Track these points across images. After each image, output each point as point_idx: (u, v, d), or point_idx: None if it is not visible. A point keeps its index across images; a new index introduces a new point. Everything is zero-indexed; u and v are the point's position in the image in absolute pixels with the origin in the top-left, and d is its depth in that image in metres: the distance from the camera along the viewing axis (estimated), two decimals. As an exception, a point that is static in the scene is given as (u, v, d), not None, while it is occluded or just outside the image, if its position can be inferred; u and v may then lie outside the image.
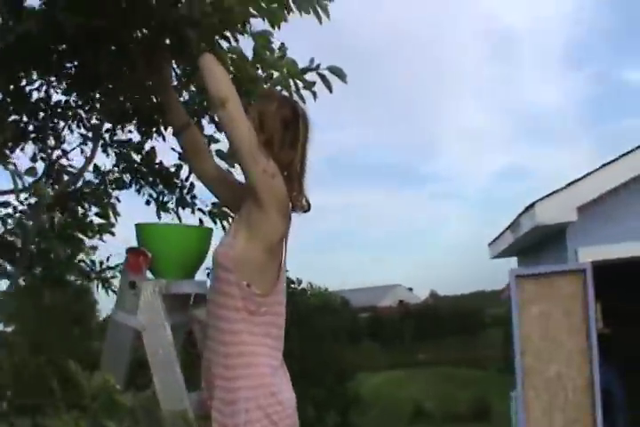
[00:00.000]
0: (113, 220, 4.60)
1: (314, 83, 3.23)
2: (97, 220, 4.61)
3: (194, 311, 3.15)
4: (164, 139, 3.99)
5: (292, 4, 2.91)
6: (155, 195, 4.12)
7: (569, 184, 8.31)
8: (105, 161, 4.33)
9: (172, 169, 4.04)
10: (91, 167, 4.32)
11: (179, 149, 3.71)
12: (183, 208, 4.06)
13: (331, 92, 3.19)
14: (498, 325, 24.46)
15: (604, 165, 8.35)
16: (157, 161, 4.12)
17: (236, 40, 3.09)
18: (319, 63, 3.18)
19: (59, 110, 4.05)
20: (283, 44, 3.32)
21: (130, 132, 4.20)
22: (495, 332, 24.49)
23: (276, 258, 2.79)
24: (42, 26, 2.81)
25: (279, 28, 3.02)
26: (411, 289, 49.46)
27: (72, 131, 4.23)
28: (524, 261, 11.07)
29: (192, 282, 3.14)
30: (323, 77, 3.18)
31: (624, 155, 8.35)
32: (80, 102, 4.06)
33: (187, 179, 4.00)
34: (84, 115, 4.17)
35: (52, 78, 3.82)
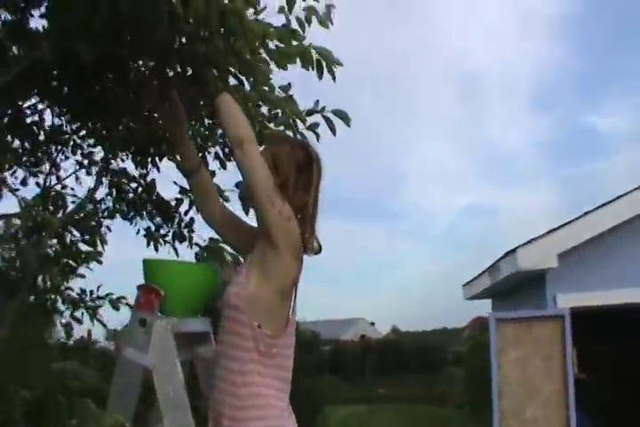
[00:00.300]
0: (100, 248, 4.52)
1: (318, 124, 3.22)
2: (84, 247, 4.51)
3: (198, 349, 3.09)
4: (158, 170, 3.92)
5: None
6: (152, 227, 4.03)
7: (550, 231, 8.47)
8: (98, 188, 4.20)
9: (173, 202, 3.94)
10: (82, 193, 4.22)
11: (180, 182, 3.68)
12: (180, 242, 3.96)
13: (334, 134, 3.17)
14: (459, 362, 24.51)
15: (585, 214, 8.49)
16: (157, 193, 4.02)
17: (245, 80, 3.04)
18: (324, 106, 3.16)
19: (55, 135, 3.96)
20: (289, 83, 3.30)
21: (122, 160, 4.11)
22: (456, 369, 24.53)
23: (288, 300, 2.76)
24: (55, 54, 2.71)
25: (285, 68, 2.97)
26: (373, 324, 49.56)
27: (67, 157, 4.15)
28: (500, 304, 11.11)
29: (199, 320, 3.10)
30: (327, 120, 3.16)
31: (604, 204, 8.52)
32: (74, 128, 3.98)
33: (186, 213, 3.91)
34: (78, 141, 4.09)
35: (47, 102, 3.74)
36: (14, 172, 4.04)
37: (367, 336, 35.44)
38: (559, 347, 8.05)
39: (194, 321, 3.06)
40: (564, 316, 8.04)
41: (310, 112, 3.22)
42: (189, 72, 2.93)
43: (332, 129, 3.17)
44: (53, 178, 4.17)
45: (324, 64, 2.81)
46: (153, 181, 3.99)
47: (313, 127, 3.26)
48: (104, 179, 4.17)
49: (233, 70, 2.84)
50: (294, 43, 2.77)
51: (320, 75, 2.82)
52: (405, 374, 27.06)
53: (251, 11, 2.67)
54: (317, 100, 3.21)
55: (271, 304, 2.68)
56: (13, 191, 3.55)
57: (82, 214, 4.29)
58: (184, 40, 2.77)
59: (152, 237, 4.09)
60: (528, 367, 8.14)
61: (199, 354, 3.08)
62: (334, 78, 2.84)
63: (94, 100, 3.35)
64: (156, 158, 3.88)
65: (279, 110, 3.30)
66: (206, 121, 3.53)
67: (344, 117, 3.14)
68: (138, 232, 4.16)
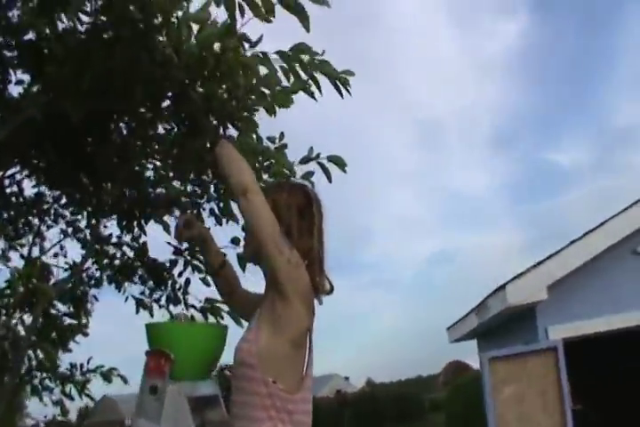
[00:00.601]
0: (84, 320, 4.36)
1: (312, 173, 3.14)
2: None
3: (208, 414, 2.90)
4: (144, 233, 3.83)
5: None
6: (146, 291, 3.85)
7: (537, 264, 8.42)
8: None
9: (166, 264, 3.79)
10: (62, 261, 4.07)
11: (174, 242, 3.58)
12: (174, 305, 3.80)
13: (330, 181, 3.09)
14: (437, 409, 24.33)
15: (570, 243, 8.47)
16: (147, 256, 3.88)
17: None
18: (319, 153, 3.08)
19: (36, 205, 3.83)
20: (282, 133, 3.21)
21: (105, 227, 3.97)
22: (435, 416, 24.35)
23: (302, 352, 2.61)
24: (43, 113, 2.58)
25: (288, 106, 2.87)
26: (347, 378, 49.32)
27: (49, 226, 4.01)
28: (487, 343, 10.96)
29: (209, 383, 2.90)
30: (322, 167, 3.08)
31: (588, 233, 8.51)
32: (55, 196, 3.84)
33: (180, 274, 3.75)
34: (60, 210, 3.95)
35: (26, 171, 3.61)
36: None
37: (343, 391, 35.07)
38: (554, 379, 7.91)
39: (204, 384, 2.87)
40: (557, 348, 7.94)
41: (305, 160, 3.14)
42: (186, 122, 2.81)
43: (328, 176, 3.08)
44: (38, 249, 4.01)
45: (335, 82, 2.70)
46: (144, 244, 3.87)
47: (307, 176, 3.17)
48: (89, 246, 4.04)
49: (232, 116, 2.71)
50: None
51: (340, 93, 2.71)
52: (384, 425, 26.91)
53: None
54: (311, 147, 3.13)
55: (285, 357, 2.54)
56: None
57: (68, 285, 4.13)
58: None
59: (141, 304, 3.94)
60: (524, 403, 8.00)
61: (209, 419, 2.90)
62: (349, 92, 2.73)
63: (76, 166, 3.24)
64: (142, 221, 3.78)
65: (272, 161, 3.22)
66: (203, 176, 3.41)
67: (339, 163, 3.06)
68: (126, 300, 4.04)
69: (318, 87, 2.67)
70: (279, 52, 2.60)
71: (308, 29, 2.41)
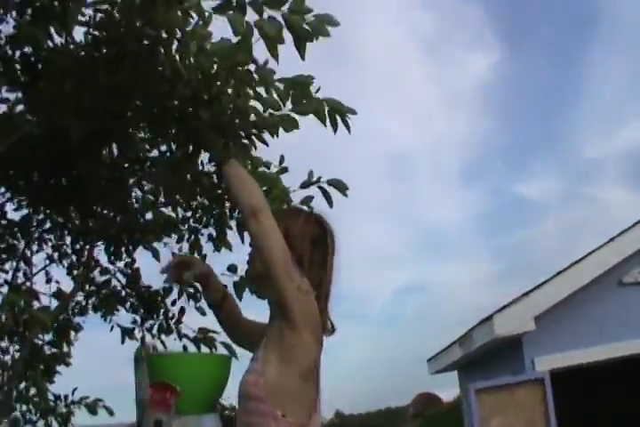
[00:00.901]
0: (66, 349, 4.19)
1: (312, 197, 3.05)
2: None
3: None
4: (132, 260, 3.73)
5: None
6: (137, 319, 3.71)
7: (525, 294, 8.39)
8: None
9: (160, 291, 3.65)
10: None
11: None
12: (166, 335, 3.64)
13: (331, 206, 2.99)
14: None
15: (557, 274, 8.44)
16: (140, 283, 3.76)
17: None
18: (320, 176, 2.98)
19: (21, 228, 3.68)
20: (282, 156, 3.11)
21: (90, 252, 3.82)
22: (404, 447, 24.16)
23: (311, 385, 2.47)
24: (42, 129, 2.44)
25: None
26: (315, 411, 48.80)
27: (32, 251, 3.85)
28: (469, 375, 10.84)
29: (213, 417, 2.78)
30: (323, 191, 2.98)
31: (574, 263, 8.52)
32: (39, 219, 3.69)
33: (173, 303, 3.60)
34: (45, 234, 3.80)
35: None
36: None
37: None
38: (542, 411, 7.81)
39: (208, 418, 2.78)
40: (544, 379, 7.87)
41: (306, 184, 3.04)
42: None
43: (329, 200, 2.98)
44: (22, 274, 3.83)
45: (337, 118, 2.57)
46: (137, 270, 3.73)
47: (307, 201, 3.07)
48: (75, 271, 3.88)
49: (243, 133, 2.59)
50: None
51: (335, 129, 2.59)
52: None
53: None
54: (311, 171, 3.03)
55: (294, 390, 2.40)
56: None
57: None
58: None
59: (127, 333, 3.78)
60: (512, 435, 7.90)
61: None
62: (349, 130, 2.61)
63: (63, 188, 3.11)
64: (130, 247, 3.67)
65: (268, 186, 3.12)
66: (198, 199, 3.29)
67: (340, 187, 2.95)
68: (112, 329, 3.90)
69: (324, 116, 2.56)
70: (282, 80, 2.49)
71: (303, 58, 2.32)
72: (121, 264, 3.74)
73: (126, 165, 3.35)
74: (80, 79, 2.26)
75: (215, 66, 2.34)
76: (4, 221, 3.68)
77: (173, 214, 3.60)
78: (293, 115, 2.55)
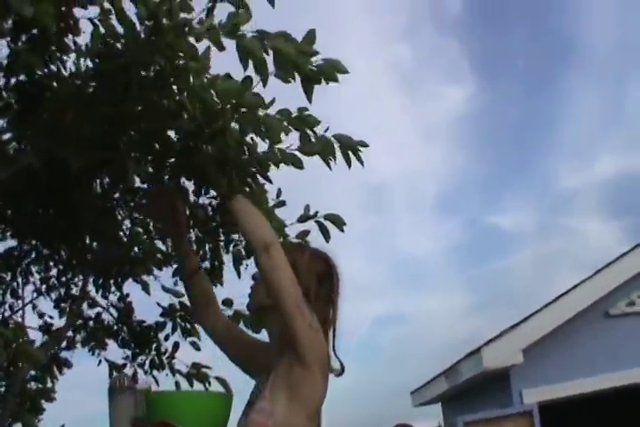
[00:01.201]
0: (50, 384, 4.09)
1: (308, 232, 2.97)
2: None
3: None
4: (121, 293, 3.62)
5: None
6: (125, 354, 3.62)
7: (513, 326, 8.40)
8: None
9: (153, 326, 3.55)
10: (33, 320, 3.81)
11: (164, 303, 3.40)
12: (158, 370, 3.53)
13: (327, 241, 2.89)
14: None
15: (545, 306, 8.48)
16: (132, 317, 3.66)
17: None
18: (317, 211, 2.90)
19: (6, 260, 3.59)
20: (279, 189, 3.04)
21: (75, 285, 3.73)
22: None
23: (316, 425, 2.40)
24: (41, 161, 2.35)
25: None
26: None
27: (19, 283, 3.75)
28: (454, 407, 10.76)
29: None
30: (320, 225, 2.89)
31: (563, 295, 8.53)
32: (23, 251, 3.60)
33: (166, 338, 3.50)
34: (31, 266, 3.70)
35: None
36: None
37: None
38: (530, 444, 7.81)
39: None
40: (533, 411, 7.90)
41: (303, 218, 2.95)
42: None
43: (326, 235, 2.88)
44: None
45: (350, 154, 2.49)
46: (129, 304, 3.64)
47: (303, 236, 2.99)
48: (63, 304, 3.78)
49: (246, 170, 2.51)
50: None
51: (349, 165, 2.51)
52: None
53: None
54: (308, 205, 2.94)
55: None
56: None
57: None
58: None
59: (115, 368, 3.68)
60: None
61: None
62: (362, 164, 2.52)
63: (49, 218, 3.02)
64: (119, 280, 3.56)
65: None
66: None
67: (337, 222, 2.86)
68: (99, 363, 3.78)
69: (333, 155, 2.48)
70: (282, 111, 2.42)
71: (310, 100, 2.26)
72: (114, 298, 3.64)
73: (117, 196, 3.27)
74: (81, 109, 2.18)
75: (220, 102, 2.26)
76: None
77: (164, 247, 3.51)
78: (299, 154, 2.48)
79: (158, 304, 3.43)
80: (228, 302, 3.17)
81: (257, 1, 2.18)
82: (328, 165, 2.47)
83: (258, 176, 2.56)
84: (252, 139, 2.42)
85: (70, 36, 2.53)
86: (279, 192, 3.04)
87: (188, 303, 3.33)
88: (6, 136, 2.66)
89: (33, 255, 3.61)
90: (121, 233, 3.42)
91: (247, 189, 2.54)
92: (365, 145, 2.49)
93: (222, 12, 2.17)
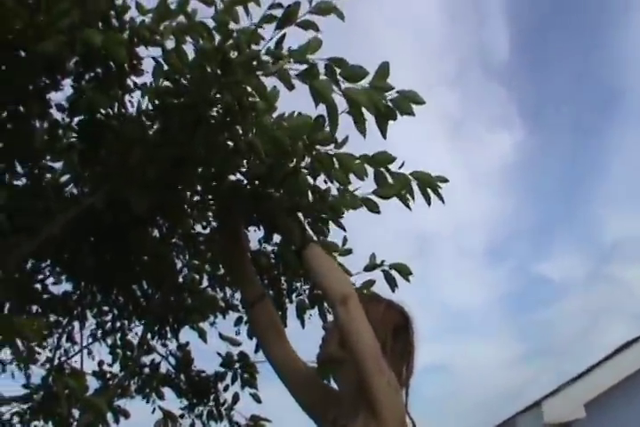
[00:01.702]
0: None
1: (374, 281, 2.87)
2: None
3: None
4: (177, 340, 3.53)
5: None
6: (187, 404, 3.53)
7: (573, 380, 8.10)
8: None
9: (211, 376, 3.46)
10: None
11: (221, 351, 3.34)
12: (216, 422, 3.44)
13: (393, 291, 2.79)
14: None
15: (606, 359, 8.21)
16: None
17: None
18: (383, 260, 2.80)
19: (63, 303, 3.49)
20: (345, 237, 2.91)
21: (130, 330, 3.64)
22: None
23: None
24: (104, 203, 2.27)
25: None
26: None
27: (74, 327, 3.67)
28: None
29: None
30: (387, 275, 2.79)
31: (623, 348, 8.29)
32: (78, 294, 3.52)
33: (226, 388, 3.41)
34: (88, 312, 3.63)
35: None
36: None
37: None
38: None
39: None
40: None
41: (370, 267, 2.83)
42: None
43: (392, 285, 2.78)
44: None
45: (429, 192, 2.37)
46: (188, 353, 3.54)
47: (369, 286, 2.87)
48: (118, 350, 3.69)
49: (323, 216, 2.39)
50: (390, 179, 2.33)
51: (429, 202, 2.39)
52: None
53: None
54: (373, 254, 2.84)
55: None
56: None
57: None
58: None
59: (170, 417, 3.56)
60: None
61: None
62: (443, 201, 2.41)
63: (107, 262, 2.94)
64: (175, 326, 3.48)
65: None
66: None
67: (403, 271, 2.76)
68: (153, 411, 3.64)
69: (412, 195, 2.37)
70: (362, 156, 2.31)
71: (384, 136, 2.14)
72: (173, 346, 3.55)
73: (174, 241, 3.19)
74: (146, 150, 2.10)
75: (291, 141, 2.16)
76: (45, 296, 3.52)
77: (221, 294, 3.47)
78: (374, 198, 2.37)
79: (218, 354, 3.35)
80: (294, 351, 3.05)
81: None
82: (407, 206, 2.35)
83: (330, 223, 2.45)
84: (324, 181, 2.31)
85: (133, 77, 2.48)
86: (345, 240, 2.93)
87: (247, 352, 3.25)
88: (64, 178, 2.62)
89: (89, 299, 3.54)
90: (177, 279, 3.35)
91: (320, 236, 2.42)
92: (445, 180, 2.37)
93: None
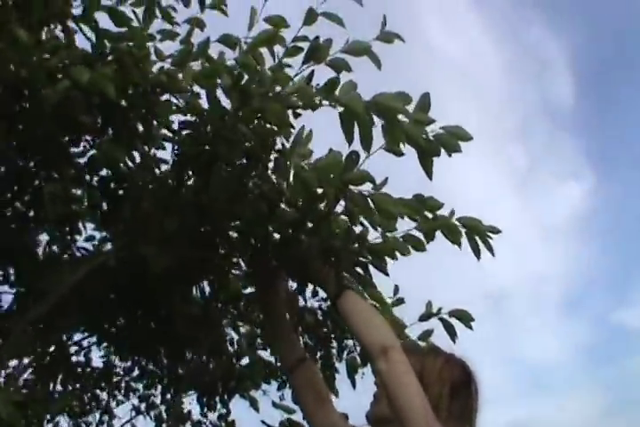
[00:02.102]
0: None
1: (432, 331, 2.66)
2: None
3: None
4: (228, 411, 3.37)
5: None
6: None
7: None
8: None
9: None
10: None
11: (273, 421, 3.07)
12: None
13: (454, 341, 2.57)
14: None
15: None
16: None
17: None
18: (440, 307, 2.60)
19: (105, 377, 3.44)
20: (397, 286, 2.72)
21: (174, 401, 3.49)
22: None
23: None
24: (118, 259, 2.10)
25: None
26: None
27: (119, 402, 3.56)
28: None
29: None
30: (445, 323, 2.58)
31: None
32: (125, 367, 3.47)
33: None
34: (133, 383, 3.58)
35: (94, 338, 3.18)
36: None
37: None
38: None
39: None
40: None
41: (426, 316, 2.62)
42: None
43: (452, 334, 2.55)
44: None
45: (477, 239, 2.14)
46: (232, 423, 3.39)
47: (426, 336, 2.66)
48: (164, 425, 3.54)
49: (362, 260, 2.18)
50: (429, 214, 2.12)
51: (477, 254, 2.16)
52: None
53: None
54: (430, 302, 2.63)
55: None
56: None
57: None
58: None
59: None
60: None
61: None
62: (492, 253, 2.18)
63: (152, 331, 2.79)
64: (225, 396, 3.29)
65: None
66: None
67: (464, 318, 2.54)
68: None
69: (458, 241, 2.16)
70: (400, 199, 2.11)
71: (430, 176, 1.94)
72: (213, 416, 3.39)
73: (219, 305, 3.02)
74: (162, 198, 1.93)
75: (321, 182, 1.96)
76: (87, 369, 3.39)
77: (273, 359, 3.24)
78: (418, 234, 2.15)
79: (263, 422, 3.11)
80: (343, 417, 2.83)
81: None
82: (457, 244, 2.13)
83: (370, 268, 2.23)
84: (361, 224, 2.10)
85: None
86: (396, 289, 2.71)
87: (298, 420, 3.04)
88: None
89: (135, 372, 3.41)
90: (225, 344, 3.19)
91: (358, 284, 2.21)
92: (497, 231, 2.14)
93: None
